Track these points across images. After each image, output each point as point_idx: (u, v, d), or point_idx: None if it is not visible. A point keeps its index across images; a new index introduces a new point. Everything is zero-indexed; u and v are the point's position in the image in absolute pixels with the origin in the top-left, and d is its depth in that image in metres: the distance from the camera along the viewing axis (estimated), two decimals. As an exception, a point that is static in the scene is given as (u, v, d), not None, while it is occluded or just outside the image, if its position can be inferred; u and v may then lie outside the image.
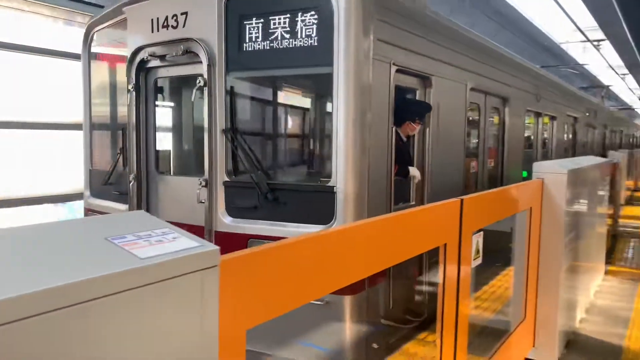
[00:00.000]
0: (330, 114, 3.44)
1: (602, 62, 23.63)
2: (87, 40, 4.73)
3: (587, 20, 17.01)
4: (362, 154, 3.34)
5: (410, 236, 2.22)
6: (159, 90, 4.28)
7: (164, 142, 4.52)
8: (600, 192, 5.59)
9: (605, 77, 29.10)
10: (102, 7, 5.54)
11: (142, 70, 4.08)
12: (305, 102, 4.20)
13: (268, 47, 3.50)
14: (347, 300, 3.28)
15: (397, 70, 3.73)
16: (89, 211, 4.70)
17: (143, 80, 4.11)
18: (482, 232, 3.02)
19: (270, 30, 3.47)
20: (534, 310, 3.91)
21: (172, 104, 4.62)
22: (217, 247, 1.11)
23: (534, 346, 3.95)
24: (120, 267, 0.96)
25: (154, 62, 4.00)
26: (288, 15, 3.40)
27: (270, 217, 3.52)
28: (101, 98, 4.82)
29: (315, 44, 3.33)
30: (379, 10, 3.42)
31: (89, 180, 4.78)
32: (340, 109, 3.26)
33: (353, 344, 3.41)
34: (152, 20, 3.90)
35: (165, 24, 3.82)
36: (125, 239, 1.10)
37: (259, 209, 3.55)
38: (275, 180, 3.75)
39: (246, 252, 1.26)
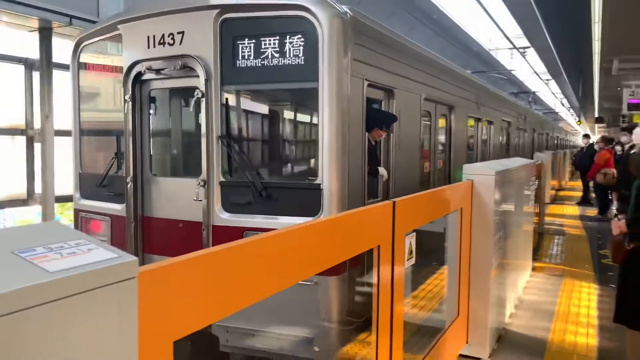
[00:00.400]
0: (316, 122, 3.97)
1: (528, 68, 25.01)
2: (77, 52, 5.07)
3: (514, 29, 17.97)
4: (342, 156, 3.88)
5: (344, 239, 2.23)
6: (153, 100, 4.67)
7: (159, 147, 4.97)
8: (527, 192, 5.90)
9: (531, 82, 30.84)
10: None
11: (138, 82, 4.49)
12: (293, 112, 4.79)
13: (259, 64, 3.99)
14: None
15: (369, 85, 4.32)
16: (79, 212, 5.03)
17: (138, 91, 4.53)
18: (414, 233, 3.09)
19: (261, 50, 3.97)
20: (467, 308, 4.05)
21: (165, 112, 5.00)
22: (135, 258, 1.06)
23: (467, 342, 4.08)
24: (26, 283, 0.90)
25: (149, 75, 4.41)
26: (277, 38, 3.91)
27: (264, 211, 4.01)
28: (90, 106, 5.23)
29: (302, 62, 3.86)
30: (355, 34, 3.98)
31: (78, 183, 5.11)
32: (325, 118, 3.82)
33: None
34: (148, 37, 4.32)
35: (161, 41, 4.26)
36: (34, 252, 1.03)
37: (253, 204, 4.04)
38: (267, 180, 4.24)
39: (166, 263, 1.21)
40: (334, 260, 2.20)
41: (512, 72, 24.95)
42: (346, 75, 3.88)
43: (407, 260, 3.06)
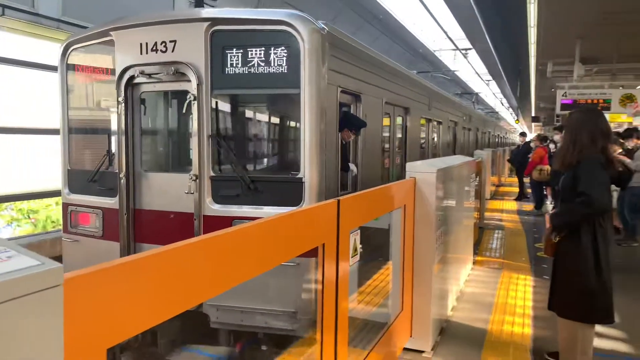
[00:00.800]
0: (297, 123, 4.49)
1: (470, 69, 25.89)
2: (65, 54, 5.32)
3: (457, 31, 18.55)
4: (321, 154, 4.40)
5: (287, 239, 2.22)
6: (143, 101, 4.98)
7: (149, 144, 5.29)
8: (467, 188, 6.11)
9: (473, 83, 31.94)
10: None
11: (130, 84, 4.81)
12: (277, 115, 5.22)
13: (247, 72, 4.44)
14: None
15: (341, 91, 4.90)
16: (68, 205, 5.32)
17: (130, 93, 4.85)
18: (359, 231, 3.13)
19: (248, 59, 4.43)
20: (411, 302, 4.15)
21: (155, 113, 5.36)
22: (60, 265, 1.01)
23: (411, 336, 4.18)
24: None
25: (141, 78, 4.75)
26: (263, 49, 4.38)
27: (251, 202, 4.47)
28: (78, 106, 5.50)
29: (286, 71, 4.36)
30: (330, 47, 4.53)
31: (66, 179, 5.40)
32: (306, 120, 4.34)
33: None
34: (141, 44, 4.67)
35: (154, 48, 4.63)
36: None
37: (241, 196, 4.48)
38: (254, 174, 4.71)
39: (93, 270, 1.16)
40: (277, 260, 2.19)
41: (455, 72, 25.74)
42: (323, 82, 4.42)
43: (352, 257, 3.10)
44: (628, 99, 13.71)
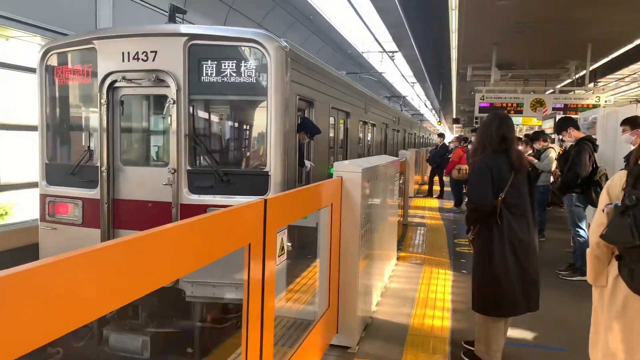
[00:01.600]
0: (264, 125, 5.20)
1: (396, 71, 26.70)
2: (44, 58, 5.76)
3: (384, 34, 19.06)
4: (283, 152, 5.14)
5: (212, 240, 2.18)
6: (122, 103, 5.48)
7: (127, 141, 5.78)
8: (392, 187, 6.30)
9: (399, 85, 32.96)
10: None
11: (111, 88, 5.34)
12: (246, 118, 5.89)
13: (220, 80, 5.12)
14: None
15: (299, 99, 5.68)
16: (46, 197, 5.75)
17: (111, 96, 5.37)
18: (286, 230, 3.14)
19: (221, 70, 5.10)
20: (337, 299, 4.23)
21: (133, 113, 5.84)
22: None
23: (337, 332, 4.26)
24: None
25: (121, 83, 5.28)
26: (235, 61, 5.09)
27: (223, 192, 5.12)
28: (55, 105, 5.92)
29: (254, 81, 5.11)
30: (291, 62, 5.29)
31: (44, 172, 5.84)
32: (272, 122, 5.10)
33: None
34: (122, 53, 5.21)
35: (135, 57, 5.18)
36: None
37: (214, 187, 5.14)
38: (226, 168, 5.29)
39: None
40: (202, 262, 2.15)
41: (383, 74, 26.46)
42: (286, 91, 5.15)
43: (279, 256, 3.11)
44: (538, 104, 14.74)
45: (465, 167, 12.11)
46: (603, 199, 2.94)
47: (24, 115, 7.72)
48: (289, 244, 4.06)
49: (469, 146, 13.34)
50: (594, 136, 6.97)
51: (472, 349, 4.02)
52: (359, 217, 4.18)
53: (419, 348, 4.26)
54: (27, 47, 8.34)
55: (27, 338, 1.19)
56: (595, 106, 13.53)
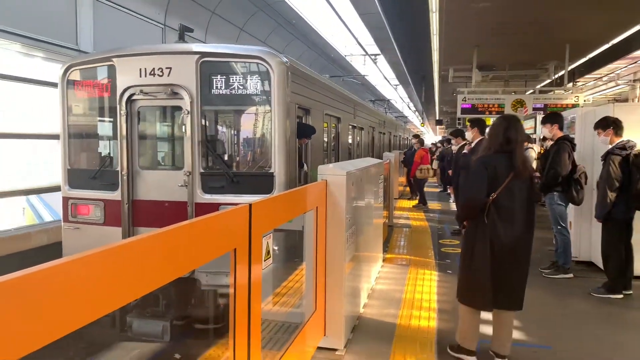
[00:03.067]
0: (269, 132, 5.77)
1: (379, 74, 26.84)
2: (66, 74, 6.29)
3: (366, 37, 19.16)
4: (286, 154, 5.71)
5: (197, 245, 2.19)
6: (138, 113, 6.03)
7: (144, 147, 6.28)
8: (376, 189, 6.35)
9: (382, 87, 33.13)
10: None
11: (129, 101, 5.90)
12: (253, 125, 6.26)
13: (229, 93, 5.71)
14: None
15: (298, 107, 6.29)
16: (69, 199, 6.25)
17: (129, 107, 5.92)
18: (272, 234, 3.15)
19: (229, 83, 5.69)
20: (324, 302, 4.24)
21: (149, 122, 6.37)
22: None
23: (325, 335, 4.28)
24: None
25: (139, 96, 5.86)
26: (242, 76, 5.69)
27: (233, 192, 5.67)
28: (76, 116, 6.48)
29: (259, 93, 5.70)
30: (292, 75, 5.84)
31: (66, 177, 6.35)
32: (276, 129, 5.66)
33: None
34: (140, 69, 5.79)
35: (152, 72, 5.76)
36: None
37: (225, 187, 5.69)
38: (236, 170, 5.95)
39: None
40: (187, 267, 2.16)
41: (366, 77, 26.58)
42: (287, 102, 5.70)
43: (265, 260, 3.12)
44: (519, 104, 14.93)
45: (427, 166, 13.50)
46: None
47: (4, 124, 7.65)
48: (276, 248, 4.10)
49: (452, 147, 13.51)
50: (572, 135, 7.10)
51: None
52: (344, 220, 4.21)
53: (406, 348, 4.30)
54: (4, 55, 8.21)
55: (70, 319, 1.41)
56: (574, 106, 13.74)
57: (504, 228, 3.85)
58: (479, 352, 4.06)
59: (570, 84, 16.25)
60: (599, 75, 20.50)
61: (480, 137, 7.64)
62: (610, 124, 5.86)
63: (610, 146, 5.80)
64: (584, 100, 14.78)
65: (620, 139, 5.76)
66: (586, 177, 6.20)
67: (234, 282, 2.56)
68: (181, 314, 5.94)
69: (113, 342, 6.01)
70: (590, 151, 6.94)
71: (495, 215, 3.84)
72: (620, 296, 5.74)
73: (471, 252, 3.97)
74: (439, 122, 35.50)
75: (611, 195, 5.57)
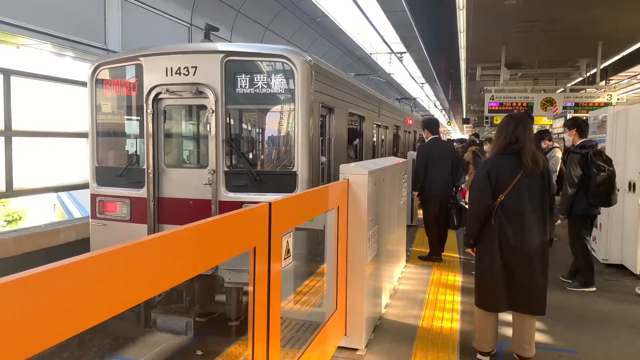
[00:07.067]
0: (292, 130, 5.79)
1: (405, 72, 26.60)
2: (94, 73, 6.40)
3: (392, 35, 19.00)
4: (309, 153, 5.73)
5: (216, 244, 2.20)
6: (164, 112, 6.10)
7: (171, 146, 6.38)
8: (399, 188, 6.29)
9: (408, 85, 32.83)
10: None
11: (155, 99, 5.98)
12: (276, 124, 6.28)
13: (253, 92, 5.74)
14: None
15: (321, 106, 6.28)
16: (97, 196, 6.37)
17: (155, 106, 5.99)
18: (292, 233, 3.15)
19: (254, 82, 5.73)
20: (345, 301, 4.23)
21: (175, 121, 6.44)
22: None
23: (345, 334, 4.26)
24: None
25: (165, 95, 5.95)
26: (266, 75, 5.70)
27: (256, 190, 5.71)
28: (105, 115, 6.58)
29: (283, 92, 5.71)
30: (315, 74, 5.85)
31: (94, 174, 6.45)
32: (299, 128, 5.68)
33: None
34: (166, 68, 5.85)
35: (178, 72, 5.81)
36: None
37: (249, 185, 5.74)
38: (259, 169, 5.97)
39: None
40: (208, 264, 2.17)
41: (391, 75, 26.39)
42: (310, 100, 5.71)
43: (285, 259, 3.12)
44: (548, 103, 14.62)
45: None
46: None
47: (41, 122, 7.83)
48: (296, 247, 4.10)
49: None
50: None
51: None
52: (366, 219, 4.18)
53: (428, 350, 4.25)
54: (38, 55, 8.45)
55: (95, 310, 1.45)
56: (607, 104, 13.39)
57: (512, 230, 3.77)
58: (499, 354, 3.99)
59: (603, 82, 15.81)
60: (633, 74, 19.88)
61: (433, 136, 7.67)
62: (575, 126, 6.07)
63: (571, 145, 6.02)
64: (617, 99, 14.36)
65: (583, 140, 5.95)
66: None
67: (253, 281, 2.57)
68: (204, 311, 6.03)
69: (137, 337, 6.16)
70: (622, 151, 6.72)
71: (502, 218, 3.78)
72: (594, 289, 5.84)
73: (482, 255, 3.98)
74: (465, 121, 35.01)
75: (571, 191, 5.77)
